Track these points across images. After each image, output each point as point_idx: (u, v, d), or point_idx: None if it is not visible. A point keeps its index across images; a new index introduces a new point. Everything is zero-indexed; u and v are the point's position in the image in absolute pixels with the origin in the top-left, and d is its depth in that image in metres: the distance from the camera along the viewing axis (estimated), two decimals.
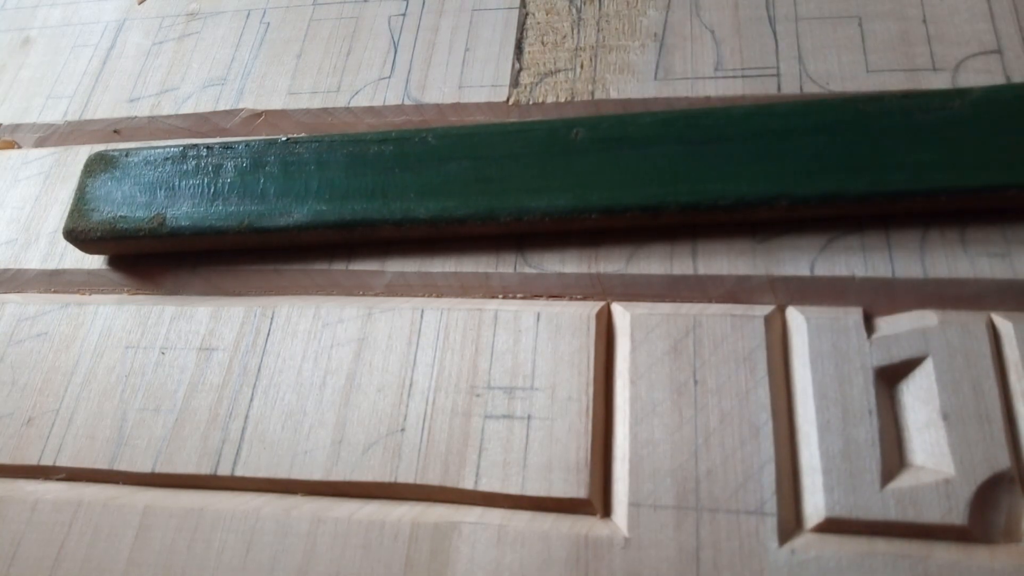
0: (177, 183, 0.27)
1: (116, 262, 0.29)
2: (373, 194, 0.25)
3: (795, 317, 0.23)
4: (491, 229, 0.25)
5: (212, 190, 0.27)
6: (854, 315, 0.22)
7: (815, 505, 0.20)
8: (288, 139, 0.27)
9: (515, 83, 0.29)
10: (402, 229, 0.25)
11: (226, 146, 0.28)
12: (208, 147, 0.28)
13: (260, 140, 0.27)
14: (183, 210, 0.27)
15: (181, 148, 0.28)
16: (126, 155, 0.28)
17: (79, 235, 0.27)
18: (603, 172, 0.24)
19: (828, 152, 0.23)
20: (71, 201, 0.28)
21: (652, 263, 0.24)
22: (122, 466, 0.24)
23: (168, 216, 0.27)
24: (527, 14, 0.30)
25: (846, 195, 0.22)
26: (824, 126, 0.23)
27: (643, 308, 0.24)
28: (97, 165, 0.28)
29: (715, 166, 0.23)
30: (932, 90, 0.24)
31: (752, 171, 0.23)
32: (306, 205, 0.26)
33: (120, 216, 0.27)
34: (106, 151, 0.29)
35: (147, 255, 0.28)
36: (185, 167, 0.27)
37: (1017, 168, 0.22)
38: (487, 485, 0.22)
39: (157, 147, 0.28)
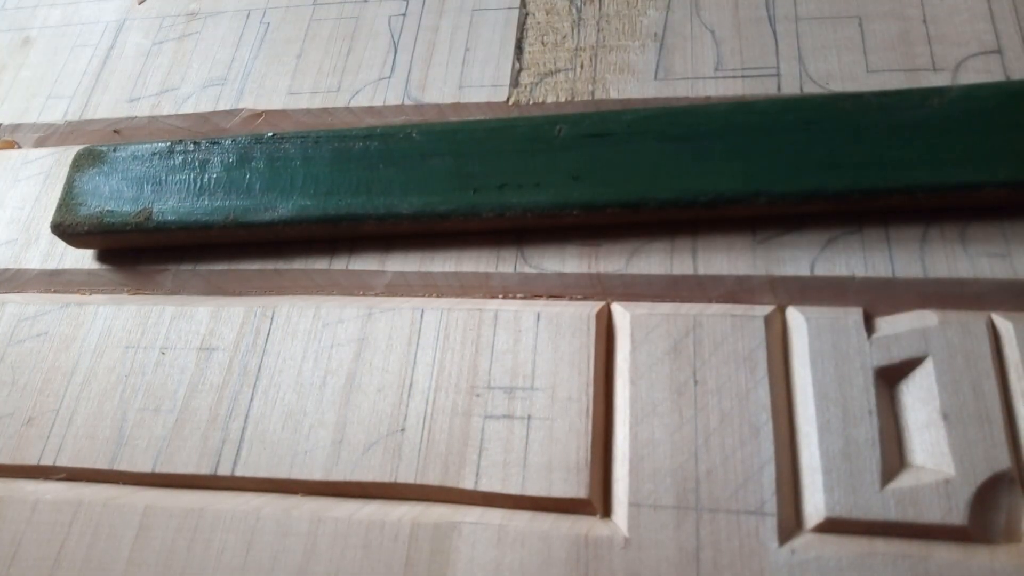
0: (164, 178, 0.27)
1: (116, 261, 0.29)
2: (357, 190, 0.26)
3: (795, 317, 0.23)
4: (473, 225, 0.25)
5: (198, 185, 0.27)
6: (854, 315, 0.22)
7: (815, 505, 0.20)
8: (274, 135, 0.27)
9: (515, 83, 0.29)
10: (385, 224, 0.25)
11: (213, 141, 0.28)
12: (195, 142, 0.28)
13: (247, 136, 0.28)
14: (169, 204, 0.27)
15: (168, 143, 0.28)
16: (114, 150, 0.28)
17: (66, 229, 0.27)
18: (585, 169, 0.24)
19: (808, 149, 0.23)
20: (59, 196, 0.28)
21: (652, 263, 0.24)
22: (122, 466, 0.24)
23: (155, 210, 0.27)
24: (527, 14, 0.30)
25: (825, 192, 0.23)
26: (804, 123, 0.23)
27: (643, 308, 0.24)
28: (85, 160, 0.28)
29: (695, 163, 0.23)
30: (911, 88, 0.24)
31: (732, 168, 0.23)
32: (291, 200, 0.26)
33: (107, 210, 0.27)
34: (94, 146, 0.29)
35: (144, 252, 0.28)
36: (172, 162, 0.28)
37: (994, 165, 0.22)
38: (487, 485, 0.22)
39: (145, 142, 0.29)
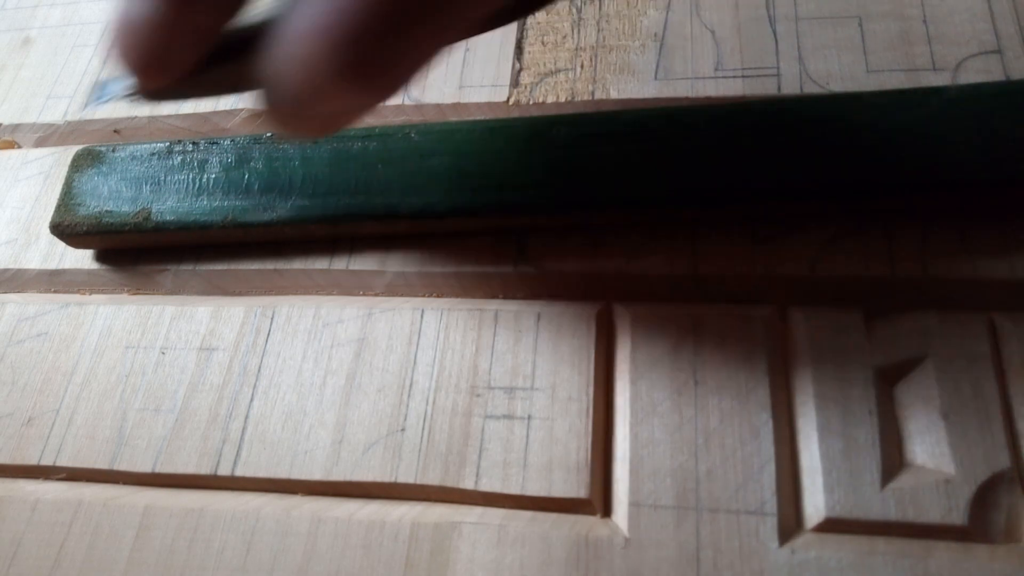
0: (163, 178, 0.27)
1: (115, 261, 0.29)
2: (356, 190, 0.26)
3: (795, 317, 0.23)
4: (473, 225, 0.25)
5: (197, 185, 0.27)
6: (854, 315, 0.22)
7: (815, 505, 0.20)
8: (272, 135, 0.27)
9: (515, 83, 0.29)
10: (384, 225, 0.25)
11: (211, 141, 0.28)
12: (193, 143, 0.28)
13: (245, 136, 0.28)
14: (168, 205, 0.27)
15: (167, 143, 0.28)
16: (113, 150, 0.28)
17: (65, 229, 0.27)
18: (584, 169, 0.24)
19: (808, 149, 0.23)
20: (58, 196, 0.28)
21: (652, 263, 0.24)
22: (122, 466, 0.24)
23: (153, 211, 0.27)
24: None
25: (825, 192, 0.23)
26: (801, 124, 0.23)
27: (643, 308, 0.24)
28: (84, 160, 0.28)
29: (695, 163, 0.23)
30: (911, 88, 0.24)
31: (732, 168, 0.23)
32: (290, 200, 0.26)
33: (106, 211, 0.27)
34: (93, 146, 0.29)
35: (144, 252, 0.28)
36: (171, 162, 0.27)
37: (994, 165, 0.22)
38: (487, 485, 0.22)
39: (143, 142, 0.29)
